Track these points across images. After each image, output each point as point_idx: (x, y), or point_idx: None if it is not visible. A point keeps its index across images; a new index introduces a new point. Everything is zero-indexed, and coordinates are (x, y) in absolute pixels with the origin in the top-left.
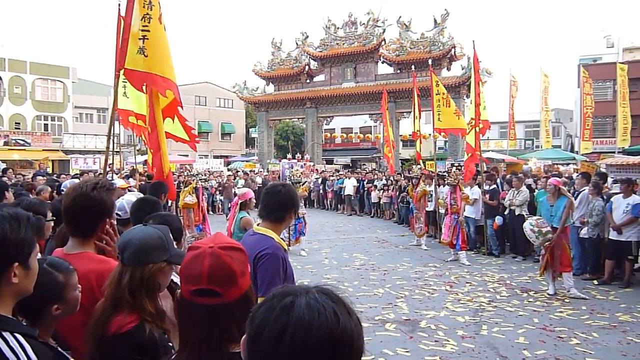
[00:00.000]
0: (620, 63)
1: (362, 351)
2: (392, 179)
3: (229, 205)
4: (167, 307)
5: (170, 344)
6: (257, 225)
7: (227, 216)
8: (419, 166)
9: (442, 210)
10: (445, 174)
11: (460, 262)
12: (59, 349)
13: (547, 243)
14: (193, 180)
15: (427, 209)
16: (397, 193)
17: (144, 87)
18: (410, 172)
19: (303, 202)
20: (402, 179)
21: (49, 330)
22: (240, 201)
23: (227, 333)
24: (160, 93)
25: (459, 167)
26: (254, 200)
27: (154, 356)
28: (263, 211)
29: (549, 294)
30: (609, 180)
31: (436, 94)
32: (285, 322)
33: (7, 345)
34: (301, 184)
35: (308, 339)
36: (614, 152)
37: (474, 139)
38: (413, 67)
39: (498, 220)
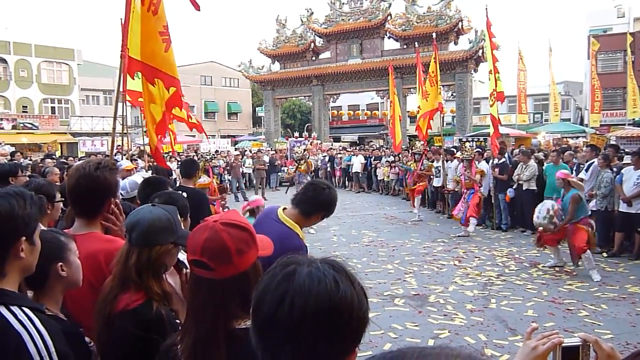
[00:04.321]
0: (630, 33)
1: (365, 320)
2: (399, 156)
3: (237, 185)
4: (175, 284)
5: (178, 322)
6: (284, 210)
7: (235, 197)
8: (421, 142)
9: (451, 186)
10: (453, 149)
11: (467, 229)
12: (68, 319)
13: (544, 230)
14: (200, 161)
15: (433, 184)
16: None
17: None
18: (413, 148)
19: (311, 178)
20: (409, 155)
21: (58, 302)
22: (249, 207)
23: (222, 309)
24: (129, 75)
25: (469, 141)
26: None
27: (161, 333)
28: (298, 197)
29: (546, 266)
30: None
31: (432, 71)
32: (285, 288)
33: (16, 319)
34: (304, 161)
35: (306, 306)
36: (624, 124)
37: (497, 112)
38: (417, 42)
39: (510, 192)
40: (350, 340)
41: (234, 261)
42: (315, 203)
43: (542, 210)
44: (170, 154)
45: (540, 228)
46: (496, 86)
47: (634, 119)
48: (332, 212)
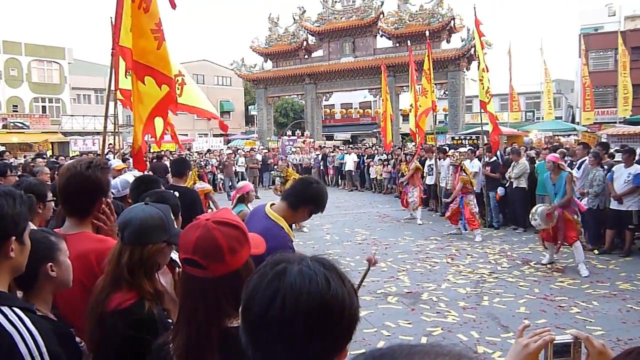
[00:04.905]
0: (621, 32)
1: (356, 318)
2: (392, 154)
3: (230, 184)
4: (167, 283)
5: (170, 321)
6: (272, 205)
7: (228, 195)
8: (413, 143)
9: (443, 184)
10: (445, 147)
11: (475, 239)
12: (58, 320)
13: (551, 224)
14: (193, 167)
15: (426, 182)
16: (397, 170)
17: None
18: (405, 148)
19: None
20: (402, 153)
21: (47, 302)
22: (238, 194)
23: (215, 307)
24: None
25: (461, 142)
26: (253, 194)
27: (153, 332)
28: (287, 191)
29: (542, 263)
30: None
31: (427, 69)
32: (276, 287)
33: (7, 319)
34: (284, 178)
35: (298, 304)
36: (615, 122)
37: (493, 109)
38: (410, 41)
39: (500, 191)
40: (342, 338)
41: (226, 259)
42: (302, 195)
43: (538, 218)
44: (178, 149)
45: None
46: (489, 84)
47: (624, 117)
48: (320, 208)
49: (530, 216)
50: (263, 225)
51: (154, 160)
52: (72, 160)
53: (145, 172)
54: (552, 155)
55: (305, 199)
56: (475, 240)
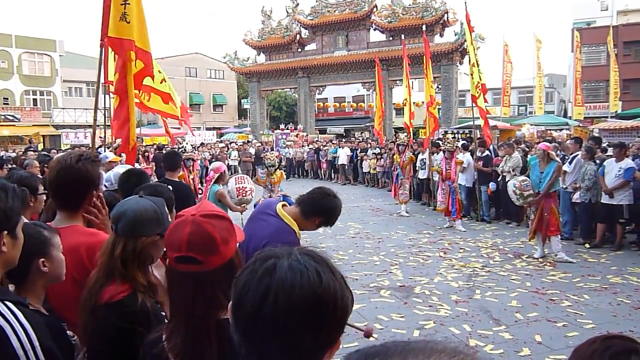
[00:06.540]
0: (613, 26)
1: (348, 310)
2: (386, 148)
3: None
4: (161, 276)
5: (163, 314)
6: (284, 206)
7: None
8: (405, 134)
9: (437, 177)
10: (438, 141)
11: (456, 228)
12: (50, 314)
13: (525, 205)
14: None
15: (419, 176)
16: (391, 162)
17: (113, 55)
18: (397, 139)
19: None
20: (395, 147)
21: (39, 297)
22: (216, 175)
23: (212, 300)
24: (141, 61)
25: (454, 134)
26: (227, 173)
27: (146, 325)
28: (303, 196)
29: (535, 257)
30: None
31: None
32: (267, 284)
33: None
34: (275, 168)
35: (291, 300)
36: (607, 117)
37: (483, 103)
38: (403, 34)
39: (492, 186)
40: (335, 331)
41: (220, 251)
42: (316, 205)
43: (511, 195)
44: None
45: (533, 216)
46: (480, 79)
47: (616, 112)
48: (331, 222)
49: (511, 185)
50: (275, 224)
51: (146, 153)
52: (62, 154)
53: (148, 163)
54: (544, 143)
55: (320, 209)
56: (458, 230)
